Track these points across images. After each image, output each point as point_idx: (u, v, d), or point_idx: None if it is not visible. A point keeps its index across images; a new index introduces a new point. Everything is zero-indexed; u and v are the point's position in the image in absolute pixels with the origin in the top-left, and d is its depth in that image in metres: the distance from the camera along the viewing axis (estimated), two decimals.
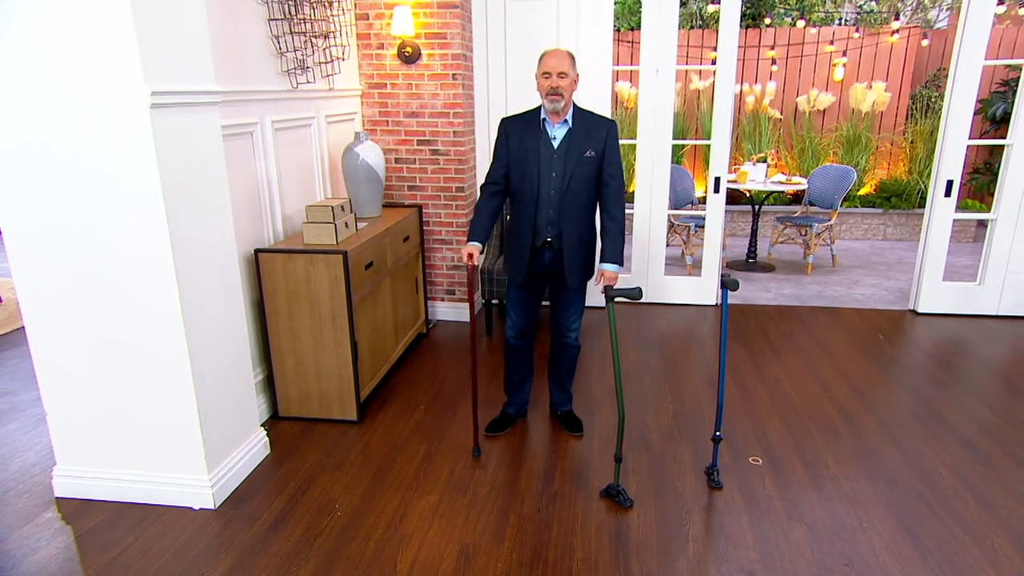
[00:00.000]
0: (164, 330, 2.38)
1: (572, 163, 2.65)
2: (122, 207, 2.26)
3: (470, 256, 2.74)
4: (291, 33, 3.34)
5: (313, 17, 3.53)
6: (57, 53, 2.13)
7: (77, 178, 2.25)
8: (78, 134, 2.20)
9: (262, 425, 3.09)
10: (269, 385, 3.25)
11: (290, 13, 3.32)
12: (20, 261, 2.39)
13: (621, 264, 2.74)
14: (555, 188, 2.68)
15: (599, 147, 2.66)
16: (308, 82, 3.53)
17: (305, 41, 3.48)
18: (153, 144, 2.17)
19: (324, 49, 3.68)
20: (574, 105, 2.68)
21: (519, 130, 2.72)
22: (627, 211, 4.91)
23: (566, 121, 2.66)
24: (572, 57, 2.60)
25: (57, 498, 2.63)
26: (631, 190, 7.18)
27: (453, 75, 4.11)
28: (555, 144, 2.67)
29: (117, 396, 2.50)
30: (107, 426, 2.54)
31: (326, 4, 3.65)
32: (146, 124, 2.15)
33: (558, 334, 2.98)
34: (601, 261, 2.74)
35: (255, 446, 2.83)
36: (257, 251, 3.00)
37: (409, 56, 4.09)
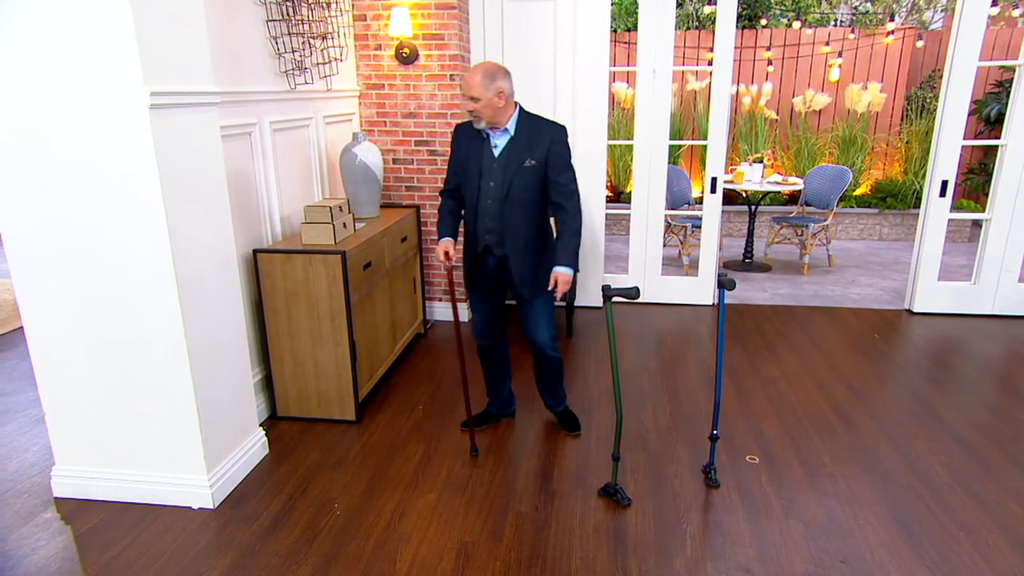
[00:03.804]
0: (163, 330, 2.38)
1: (511, 172, 2.62)
2: (121, 207, 2.26)
3: (446, 254, 2.75)
4: (289, 34, 3.35)
5: (311, 18, 3.54)
6: (57, 54, 2.13)
7: (76, 178, 2.25)
8: (78, 134, 2.21)
9: (261, 425, 3.09)
10: (268, 385, 3.26)
11: (288, 14, 3.32)
12: (19, 261, 2.39)
13: (574, 266, 2.67)
14: (493, 197, 2.66)
15: (541, 155, 2.61)
16: (306, 83, 3.54)
17: (303, 42, 3.49)
18: (152, 144, 2.17)
19: (322, 50, 3.69)
20: (520, 111, 2.64)
21: (467, 137, 2.70)
22: (624, 211, 4.94)
23: (507, 130, 2.62)
24: (488, 73, 2.50)
25: (56, 498, 2.63)
26: (628, 190, 7.20)
27: (451, 76, 4.12)
28: (496, 152, 2.64)
29: (116, 396, 2.50)
30: (106, 426, 2.55)
31: (324, 5, 3.66)
32: (145, 124, 2.16)
33: (532, 345, 2.93)
34: (555, 264, 2.68)
35: (254, 446, 2.84)
36: (255, 251, 3.01)
37: (407, 57, 4.10)
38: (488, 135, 2.65)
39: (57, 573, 2.22)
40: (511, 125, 2.62)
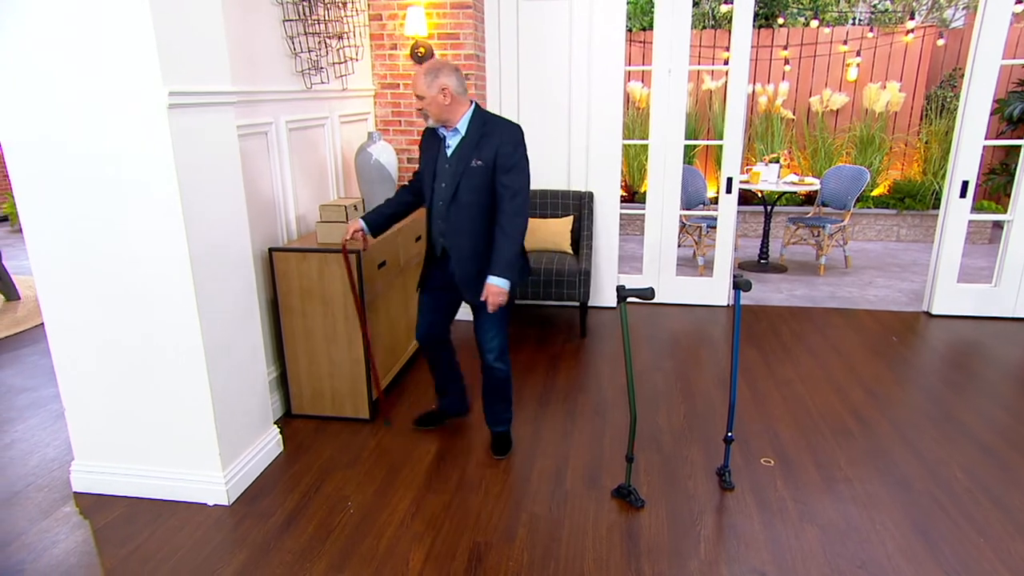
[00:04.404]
0: (180, 328, 2.41)
1: (460, 173, 2.54)
2: (139, 206, 2.29)
3: (352, 232, 2.77)
4: (305, 34, 3.37)
5: (327, 18, 3.56)
6: (77, 54, 2.16)
7: (96, 177, 2.28)
8: (97, 134, 2.23)
9: (275, 423, 3.12)
10: (283, 383, 3.28)
11: (304, 14, 3.34)
12: (40, 259, 2.42)
13: (508, 279, 2.55)
14: (443, 198, 2.59)
15: (489, 156, 2.50)
16: (322, 82, 3.56)
17: (319, 42, 3.51)
18: (170, 144, 2.20)
19: (338, 50, 3.71)
20: (476, 110, 2.56)
21: (428, 139, 2.67)
22: (638, 211, 4.92)
23: (458, 130, 2.55)
24: (431, 71, 2.45)
25: (75, 493, 2.67)
26: (642, 190, 7.17)
27: (466, 76, 4.12)
28: (449, 153, 2.58)
29: (134, 393, 2.53)
30: (124, 422, 2.58)
31: (340, 5, 3.68)
32: (163, 124, 2.18)
33: (479, 352, 2.81)
34: (488, 273, 2.57)
35: (269, 443, 2.86)
36: (271, 250, 3.03)
37: (422, 56, 4.11)
38: (444, 136, 2.60)
39: (77, 567, 2.25)
40: (462, 125, 2.54)
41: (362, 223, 2.80)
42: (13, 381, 3.74)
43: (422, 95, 2.47)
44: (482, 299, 2.60)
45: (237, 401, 2.64)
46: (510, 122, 2.58)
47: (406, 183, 2.88)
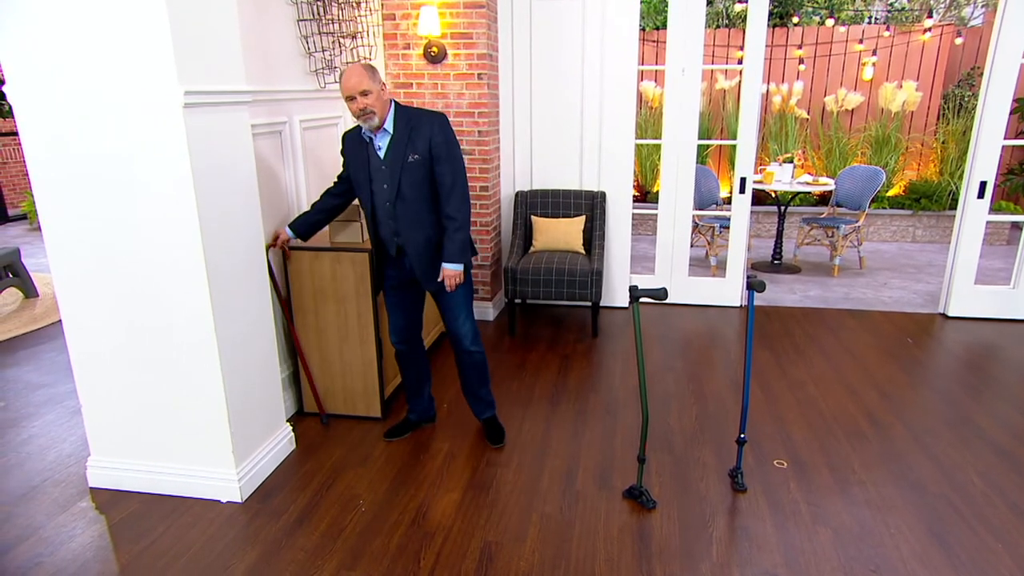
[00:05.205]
0: (194, 326, 2.43)
1: (397, 171, 2.58)
2: (155, 204, 2.31)
3: (276, 237, 2.92)
4: (319, 34, 3.38)
5: (341, 18, 3.57)
6: (94, 56, 2.18)
7: (112, 176, 2.30)
8: (113, 134, 2.25)
9: (288, 421, 3.14)
10: (295, 382, 3.30)
11: (318, 14, 3.36)
12: (58, 256, 2.45)
13: (461, 262, 2.68)
14: (388, 199, 2.63)
15: (424, 148, 2.57)
16: (335, 82, 3.57)
17: (333, 41, 3.52)
18: (186, 142, 2.21)
19: (351, 49, 3.72)
20: (397, 108, 2.60)
21: (352, 145, 2.68)
22: (651, 211, 4.90)
23: (386, 130, 2.58)
24: (369, 68, 2.50)
25: (91, 488, 2.70)
26: (655, 190, 7.14)
27: (478, 75, 4.13)
28: (381, 154, 2.61)
29: (149, 389, 2.55)
30: (139, 418, 2.60)
31: (354, 4, 3.69)
32: (179, 123, 2.20)
33: (452, 341, 2.89)
34: (443, 261, 2.68)
35: (281, 441, 2.88)
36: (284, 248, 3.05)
37: (435, 56, 4.12)
38: (371, 139, 2.61)
39: (92, 561, 2.28)
40: (388, 124, 2.58)
41: (288, 231, 2.92)
42: (31, 377, 3.80)
43: (369, 90, 2.48)
44: (439, 280, 2.72)
45: (250, 398, 2.66)
46: (433, 112, 2.64)
47: (330, 187, 2.93)
